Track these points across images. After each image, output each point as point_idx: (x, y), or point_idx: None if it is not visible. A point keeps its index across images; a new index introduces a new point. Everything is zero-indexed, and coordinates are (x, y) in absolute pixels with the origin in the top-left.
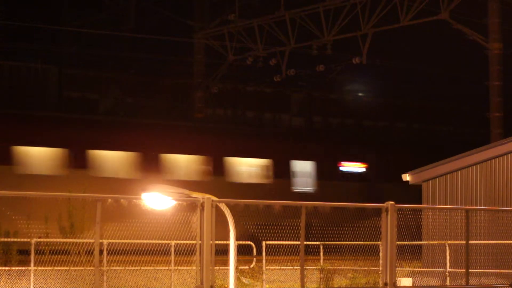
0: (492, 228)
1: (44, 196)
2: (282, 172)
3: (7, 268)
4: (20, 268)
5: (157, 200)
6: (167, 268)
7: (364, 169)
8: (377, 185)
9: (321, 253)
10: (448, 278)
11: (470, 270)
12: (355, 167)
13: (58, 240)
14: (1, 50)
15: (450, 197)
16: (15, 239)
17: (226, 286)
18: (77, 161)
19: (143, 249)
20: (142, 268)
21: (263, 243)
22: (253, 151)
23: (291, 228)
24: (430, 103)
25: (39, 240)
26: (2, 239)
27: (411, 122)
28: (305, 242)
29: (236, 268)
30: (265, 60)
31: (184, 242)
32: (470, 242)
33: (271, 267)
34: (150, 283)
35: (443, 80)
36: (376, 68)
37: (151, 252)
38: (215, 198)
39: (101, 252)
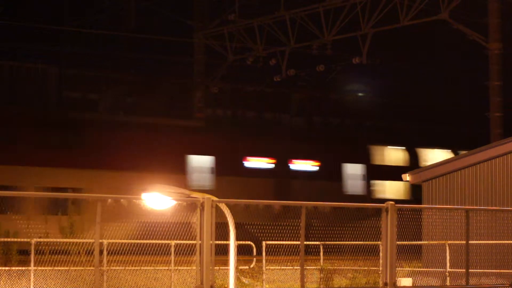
0: (492, 228)
1: (44, 196)
2: None
3: (7, 268)
4: (20, 268)
5: (157, 200)
6: (167, 268)
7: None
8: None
9: (321, 253)
10: (448, 278)
11: (470, 270)
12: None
13: (58, 240)
14: (1, 50)
15: (450, 197)
16: (15, 239)
17: (226, 286)
18: None
19: (143, 249)
20: (142, 268)
21: (263, 243)
22: None
23: (291, 228)
24: (430, 103)
25: (39, 240)
26: (2, 239)
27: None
28: (305, 242)
29: (236, 268)
30: (265, 60)
31: (184, 242)
32: (470, 242)
33: (271, 267)
34: (150, 283)
35: (443, 80)
36: (376, 68)
37: (151, 252)
38: (215, 198)
39: (101, 252)
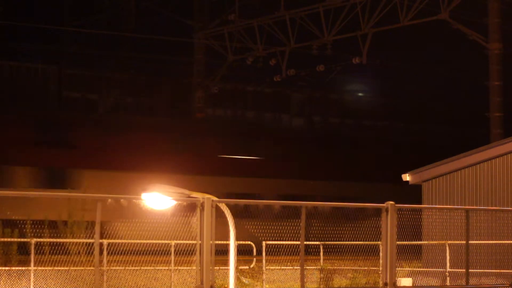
0: (492, 228)
1: (44, 196)
2: None
3: (7, 268)
4: (20, 268)
5: (157, 200)
6: (167, 268)
7: None
8: None
9: (321, 253)
10: (448, 278)
11: (470, 270)
12: None
13: (58, 240)
14: (1, 50)
15: (450, 197)
16: (15, 239)
17: (226, 286)
18: None
19: (143, 249)
20: (142, 268)
21: (263, 243)
22: None
23: (291, 228)
24: (430, 103)
25: (39, 240)
26: (2, 239)
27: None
28: (305, 242)
29: (236, 268)
30: (265, 60)
31: (184, 242)
32: (470, 242)
33: (271, 267)
34: (150, 283)
35: (443, 80)
36: (376, 68)
37: (151, 252)
38: (215, 198)
39: (101, 252)
